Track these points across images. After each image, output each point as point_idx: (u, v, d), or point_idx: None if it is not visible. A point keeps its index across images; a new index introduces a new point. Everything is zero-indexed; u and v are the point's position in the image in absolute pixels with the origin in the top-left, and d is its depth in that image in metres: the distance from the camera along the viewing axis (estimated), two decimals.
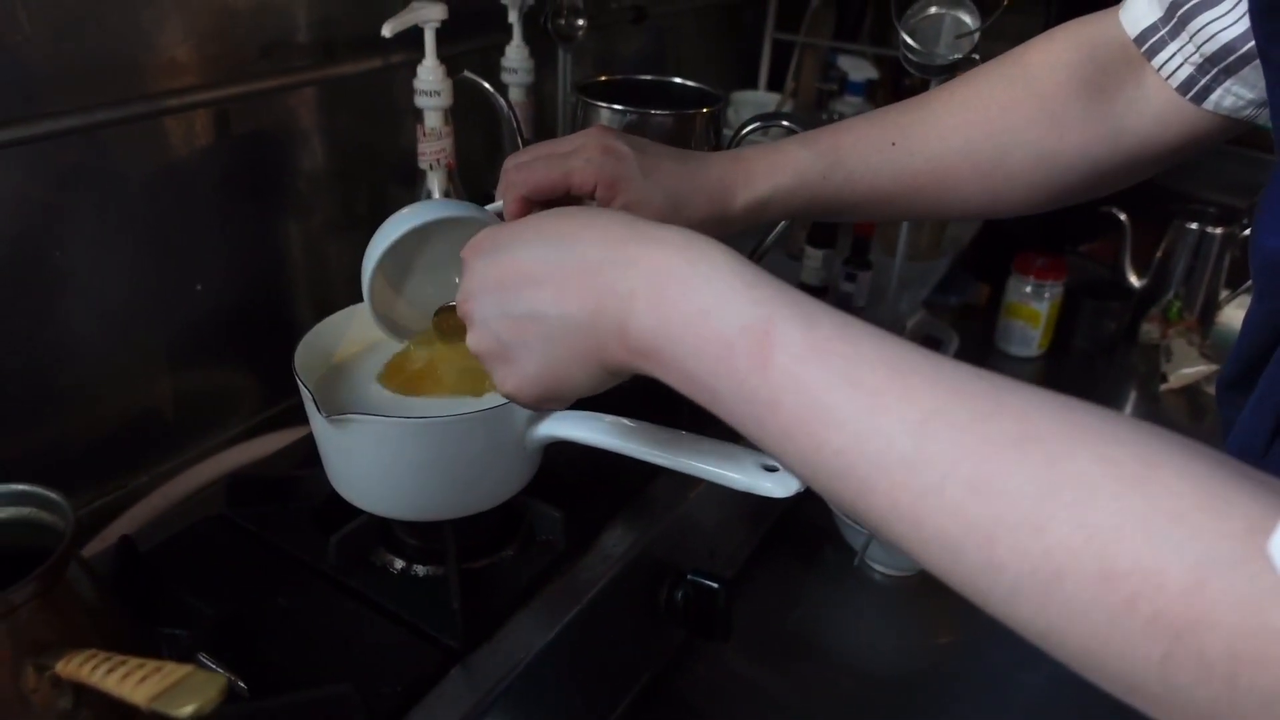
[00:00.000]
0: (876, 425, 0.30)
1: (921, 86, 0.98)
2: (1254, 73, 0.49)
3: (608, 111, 0.79)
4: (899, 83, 1.52)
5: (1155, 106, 0.54)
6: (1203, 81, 0.51)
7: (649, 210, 0.51)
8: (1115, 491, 0.26)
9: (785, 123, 0.82)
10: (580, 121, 0.81)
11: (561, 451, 0.62)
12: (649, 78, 0.88)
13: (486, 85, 0.84)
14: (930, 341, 1.13)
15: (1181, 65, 0.52)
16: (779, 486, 0.51)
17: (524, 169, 0.51)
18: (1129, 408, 1.21)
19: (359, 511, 0.63)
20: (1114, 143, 0.56)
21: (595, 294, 0.38)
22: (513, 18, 0.92)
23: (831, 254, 1.12)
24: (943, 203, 0.59)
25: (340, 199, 0.87)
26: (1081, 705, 0.44)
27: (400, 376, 0.62)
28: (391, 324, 0.60)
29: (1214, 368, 1.19)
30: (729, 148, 0.77)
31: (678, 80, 0.87)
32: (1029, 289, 1.24)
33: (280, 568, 0.64)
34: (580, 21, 0.99)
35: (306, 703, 0.53)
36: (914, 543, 0.30)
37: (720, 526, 0.79)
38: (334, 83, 0.83)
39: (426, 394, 0.61)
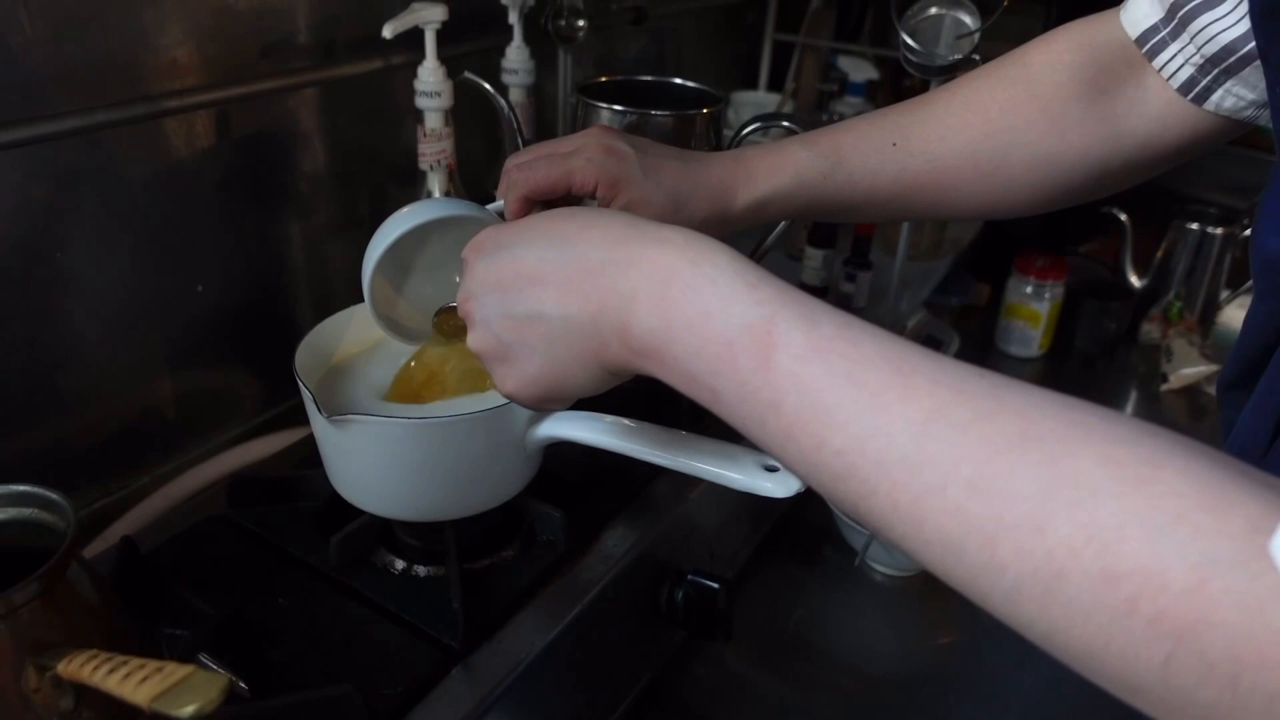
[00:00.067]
0: (878, 425, 0.30)
1: (921, 87, 0.98)
2: (1255, 73, 0.49)
3: (608, 112, 0.79)
4: (899, 83, 1.52)
5: (1156, 107, 0.54)
6: (1203, 82, 0.52)
7: (650, 210, 0.51)
8: (1117, 491, 0.26)
9: (785, 123, 0.82)
10: (581, 122, 0.81)
11: (562, 452, 0.62)
12: (649, 78, 0.88)
13: (487, 86, 0.84)
14: (931, 342, 1.13)
15: (1182, 66, 0.52)
16: (779, 487, 0.51)
17: (525, 168, 0.51)
18: (1129, 408, 1.21)
19: (360, 512, 0.63)
20: (1115, 143, 0.56)
21: (597, 294, 0.38)
22: (513, 19, 0.92)
23: (832, 254, 1.12)
24: (943, 203, 0.59)
25: (341, 200, 0.87)
26: (1081, 705, 0.44)
27: (406, 390, 0.62)
28: (392, 323, 0.60)
29: (1214, 368, 1.19)
30: (729, 148, 0.77)
31: (678, 81, 0.87)
32: (1029, 289, 1.24)
33: (281, 568, 0.64)
34: (580, 22, 0.99)
35: (307, 703, 0.53)
36: (915, 543, 0.30)
37: (721, 527, 0.79)
38: (335, 83, 0.83)
39: (433, 400, 0.61)
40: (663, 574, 0.70)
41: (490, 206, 0.54)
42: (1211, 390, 1.19)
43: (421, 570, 0.64)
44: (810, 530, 0.90)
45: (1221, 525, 0.24)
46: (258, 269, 0.82)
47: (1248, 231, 1.27)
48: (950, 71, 0.92)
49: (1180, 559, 0.24)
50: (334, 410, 0.56)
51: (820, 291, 1.12)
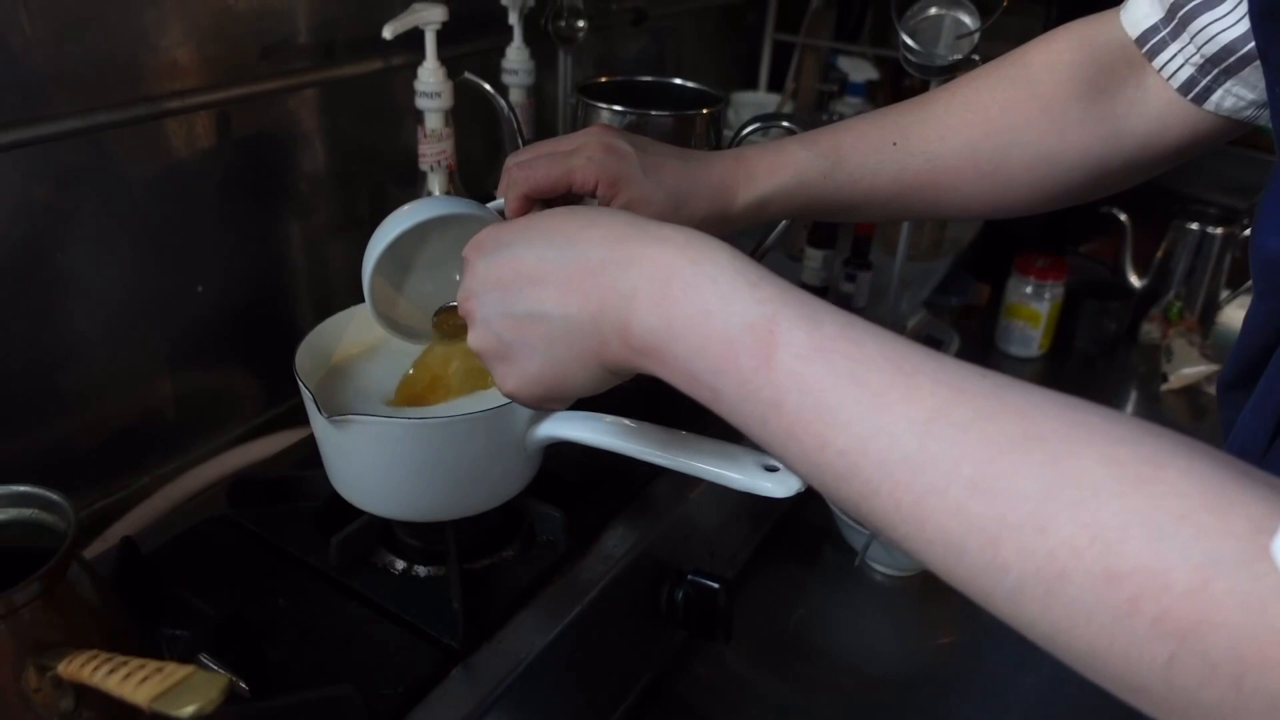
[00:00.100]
0: (880, 425, 0.30)
1: (921, 87, 0.98)
2: (1254, 73, 0.49)
3: (608, 112, 0.79)
4: (899, 84, 1.52)
5: (1156, 107, 0.54)
6: (1203, 82, 0.52)
7: (650, 208, 0.51)
8: (1119, 491, 0.26)
9: (785, 123, 0.82)
10: (581, 122, 0.81)
11: (562, 452, 0.62)
12: (649, 79, 0.88)
13: (487, 87, 0.84)
14: (931, 342, 1.13)
15: (1182, 66, 0.52)
16: (779, 486, 0.51)
17: (525, 167, 0.51)
18: (1129, 408, 1.21)
19: (360, 512, 0.63)
20: (1115, 143, 0.56)
21: (597, 293, 0.38)
22: (513, 19, 0.92)
23: (831, 254, 1.13)
24: (943, 203, 0.59)
25: (341, 200, 0.87)
26: (1081, 706, 0.44)
27: (410, 395, 0.62)
28: (392, 322, 0.60)
29: (1214, 368, 1.19)
30: (729, 148, 0.77)
31: (678, 81, 0.87)
32: (1029, 289, 1.24)
33: (282, 568, 0.64)
34: (580, 23, 0.99)
35: (308, 703, 0.53)
36: (917, 543, 0.30)
37: (721, 527, 0.79)
38: (335, 84, 0.83)
39: (437, 402, 0.61)
40: (663, 574, 0.70)
41: (490, 205, 0.54)
42: (1211, 390, 1.19)
43: (422, 570, 0.64)
44: (810, 530, 0.90)
45: (1224, 526, 0.24)
46: (258, 269, 0.82)
47: (1248, 231, 1.27)
48: (950, 72, 0.92)
49: (1183, 559, 0.24)
50: (334, 410, 0.56)
51: (820, 292, 1.12)
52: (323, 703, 0.53)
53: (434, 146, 0.84)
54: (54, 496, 0.48)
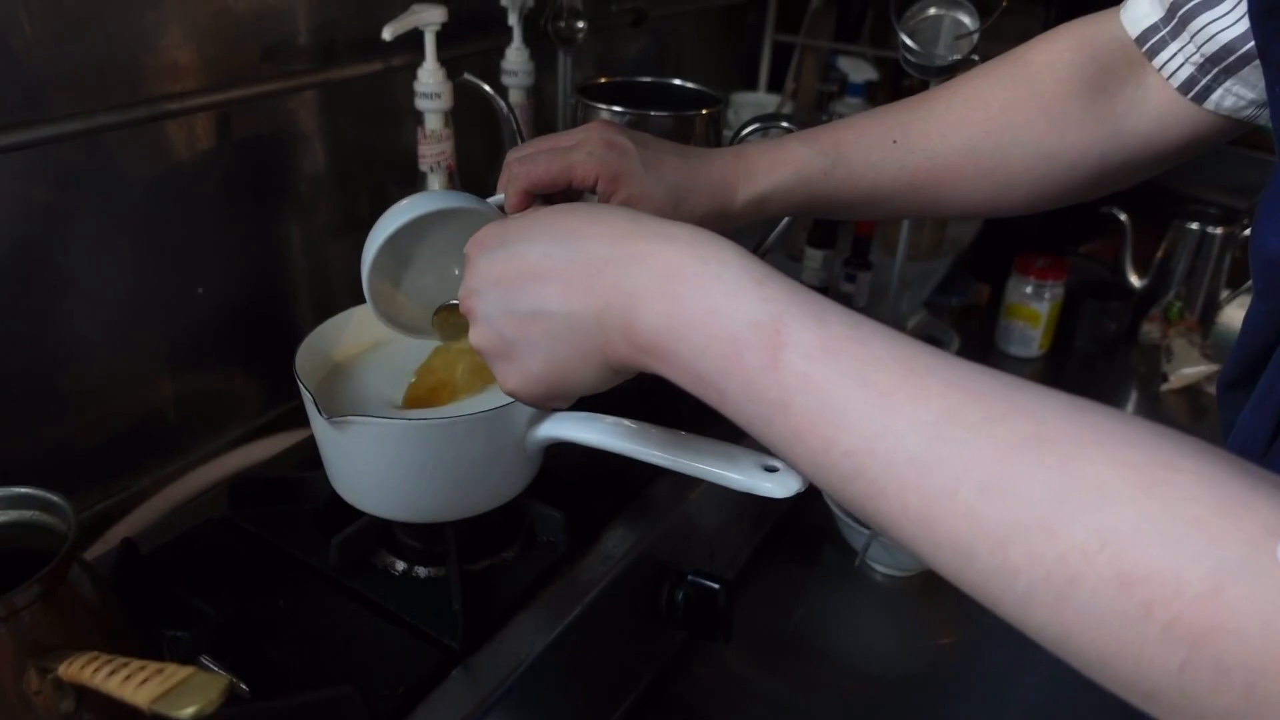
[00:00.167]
0: (888, 426, 0.30)
1: (920, 88, 0.98)
2: (1254, 73, 0.49)
3: (608, 113, 0.79)
4: (898, 84, 1.52)
5: (1156, 106, 0.54)
6: (1203, 81, 0.52)
7: (650, 205, 0.51)
8: (1131, 495, 0.25)
9: (785, 124, 0.82)
10: (580, 123, 0.81)
11: (562, 452, 0.62)
12: (649, 79, 0.88)
13: (487, 88, 0.84)
14: (931, 342, 1.13)
15: (1182, 65, 0.52)
16: (779, 487, 0.51)
17: (526, 162, 0.51)
18: (1130, 408, 1.21)
19: (360, 513, 0.63)
20: (1115, 142, 0.56)
21: (601, 291, 0.37)
22: (513, 20, 0.92)
23: (831, 254, 1.13)
24: (944, 201, 0.59)
25: (341, 202, 0.87)
26: (1081, 706, 0.44)
27: (416, 400, 0.62)
28: (391, 317, 0.60)
29: (1215, 368, 1.19)
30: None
31: (677, 82, 0.88)
32: (1029, 289, 1.24)
33: (282, 570, 0.64)
34: (580, 24, 0.99)
35: (308, 704, 0.53)
36: (925, 545, 0.29)
37: (721, 527, 0.79)
38: (335, 85, 0.83)
39: (446, 403, 0.61)
40: (663, 574, 0.70)
41: (490, 200, 0.54)
42: (1211, 390, 1.19)
43: (422, 571, 0.64)
44: (810, 531, 0.90)
45: (1237, 530, 0.24)
46: (258, 271, 0.82)
47: (1248, 231, 1.27)
48: (949, 72, 0.92)
49: (1196, 564, 0.24)
50: (334, 411, 0.56)
51: (820, 292, 1.12)
52: (323, 704, 0.53)
53: (434, 147, 0.84)
54: (54, 498, 0.48)
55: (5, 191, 0.63)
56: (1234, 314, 1.32)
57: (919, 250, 1.27)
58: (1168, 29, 0.52)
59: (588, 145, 0.51)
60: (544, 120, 1.06)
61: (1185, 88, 0.52)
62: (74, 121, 0.63)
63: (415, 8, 0.79)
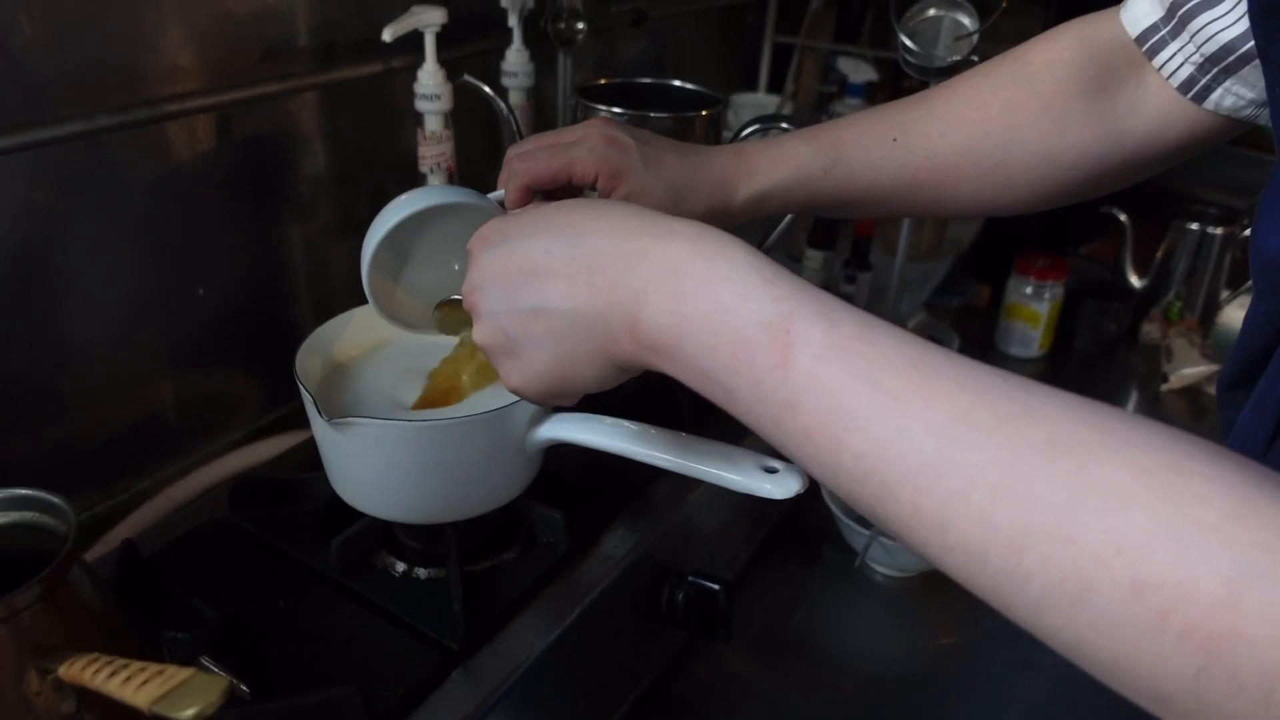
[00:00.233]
0: (899, 428, 0.29)
1: (920, 88, 0.98)
2: (1254, 72, 0.49)
3: (607, 115, 0.79)
4: (898, 85, 1.52)
5: (1156, 106, 0.54)
6: (1203, 81, 0.52)
7: (650, 201, 0.51)
8: (1146, 500, 0.25)
9: (785, 125, 0.82)
10: None
11: (562, 453, 0.62)
12: (649, 80, 0.89)
13: (486, 89, 0.84)
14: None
15: (1182, 65, 0.52)
16: (778, 488, 0.51)
17: (526, 158, 0.51)
18: (1130, 408, 1.21)
19: (361, 514, 0.63)
20: (1115, 142, 0.56)
21: (607, 288, 0.37)
22: (513, 21, 0.92)
23: (831, 255, 1.13)
24: (943, 200, 0.59)
25: (341, 203, 0.87)
26: (1081, 707, 0.44)
27: (431, 402, 0.62)
28: (391, 312, 0.60)
29: (1215, 368, 1.19)
30: None
31: (677, 83, 0.88)
32: (1029, 290, 1.24)
33: (282, 571, 0.64)
34: (580, 25, 0.99)
35: (308, 705, 0.53)
36: (937, 549, 0.29)
37: (721, 528, 0.79)
38: (335, 87, 0.83)
39: (455, 402, 0.61)
40: (663, 575, 0.70)
41: (490, 195, 0.54)
42: (1211, 390, 1.19)
43: (422, 572, 0.64)
44: (810, 531, 0.90)
45: (1253, 536, 0.24)
46: (259, 272, 0.82)
47: (1248, 231, 1.27)
48: (949, 73, 0.92)
49: (1211, 571, 0.24)
50: (334, 413, 0.56)
51: None
52: (323, 705, 0.53)
53: (434, 149, 0.84)
54: (54, 499, 0.48)
55: (5, 193, 0.63)
56: (1234, 314, 1.32)
57: (919, 251, 1.27)
58: (1167, 29, 0.52)
59: (588, 142, 0.51)
60: (544, 121, 1.06)
61: (1185, 87, 0.52)
62: (74, 123, 0.63)
63: (415, 9, 0.79)
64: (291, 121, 0.81)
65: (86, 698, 0.44)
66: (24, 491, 0.48)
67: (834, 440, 0.31)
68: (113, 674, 0.40)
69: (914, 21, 0.94)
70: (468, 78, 0.83)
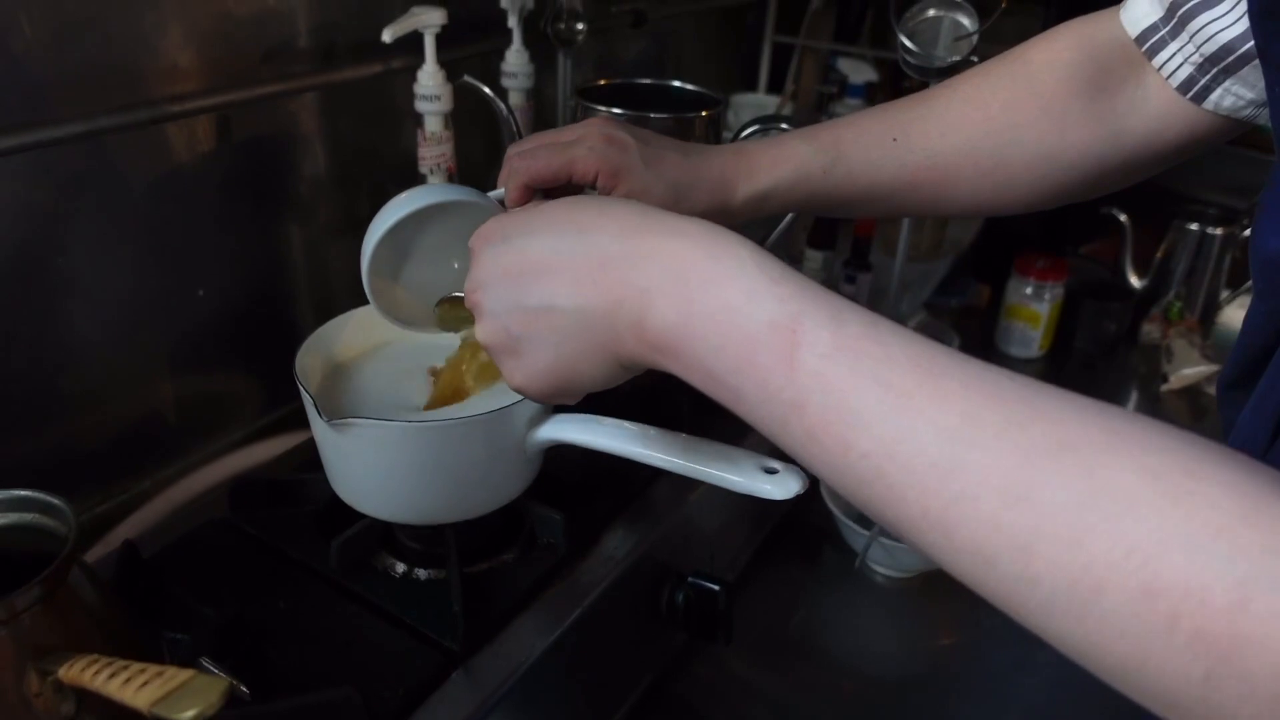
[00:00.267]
0: (907, 429, 0.29)
1: (920, 88, 0.98)
2: (1254, 73, 0.49)
3: (607, 114, 0.79)
4: (898, 85, 1.53)
5: (1156, 106, 0.54)
6: (1203, 81, 0.52)
7: (650, 200, 0.51)
8: (1156, 504, 0.25)
9: (784, 125, 0.83)
10: None
11: (562, 454, 0.62)
12: (649, 81, 0.89)
13: (486, 90, 0.84)
14: None
15: (1182, 65, 0.52)
16: (778, 489, 0.51)
17: (527, 156, 0.51)
18: (1130, 409, 1.21)
19: (361, 515, 0.63)
20: (1115, 142, 0.56)
21: (612, 287, 0.36)
22: (512, 22, 0.93)
23: (831, 256, 1.13)
24: (943, 199, 0.59)
25: (341, 204, 0.87)
26: (1081, 707, 0.44)
27: (439, 402, 0.62)
28: (390, 311, 0.59)
29: (1215, 368, 1.19)
30: None
31: (676, 83, 0.88)
32: (1029, 290, 1.24)
33: (282, 572, 0.64)
34: (580, 26, 0.99)
35: (308, 706, 0.53)
36: (945, 551, 0.29)
37: (721, 529, 0.79)
38: (335, 88, 0.83)
39: (462, 401, 0.61)
40: (663, 576, 0.70)
41: (491, 194, 0.54)
42: (1211, 390, 1.19)
43: (422, 573, 0.64)
44: (811, 532, 0.90)
45: (1263, 540, 0.24)
46: (259, 273, 0.82)
47: (1248, 231, 1.27)
48: (949, 74, 0.92)
49: (1221, 576, 0.24)
50: (334, 413, 0.56)
51: None
52: (323, 705, 0.53)
53: (433, 149, 0.84)
54: (54, 500, 0.48)
55: (6, 193, 0.63)
56: (1234, 314, 1.32)
57: (919, 251, 1.27)
58: (1167, 29, 0.52)
59: (588, 140, 0.51)
60: (544, 122, 1.06)
61: (1185, 87, 0.52)
62: (74, 124, 0.63)
63: (415, 10, 0.79)
64: (291, 122, 0.81)
65: (86, 699, 0.44)
66: (24, 493, 0.48)
67: (841, 440, 0.31)
68: (112, 675, 0.40)
69: (914, 22, 0.94)
70: (468, 78, 0.83)
